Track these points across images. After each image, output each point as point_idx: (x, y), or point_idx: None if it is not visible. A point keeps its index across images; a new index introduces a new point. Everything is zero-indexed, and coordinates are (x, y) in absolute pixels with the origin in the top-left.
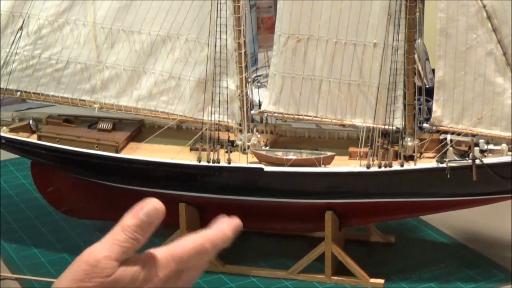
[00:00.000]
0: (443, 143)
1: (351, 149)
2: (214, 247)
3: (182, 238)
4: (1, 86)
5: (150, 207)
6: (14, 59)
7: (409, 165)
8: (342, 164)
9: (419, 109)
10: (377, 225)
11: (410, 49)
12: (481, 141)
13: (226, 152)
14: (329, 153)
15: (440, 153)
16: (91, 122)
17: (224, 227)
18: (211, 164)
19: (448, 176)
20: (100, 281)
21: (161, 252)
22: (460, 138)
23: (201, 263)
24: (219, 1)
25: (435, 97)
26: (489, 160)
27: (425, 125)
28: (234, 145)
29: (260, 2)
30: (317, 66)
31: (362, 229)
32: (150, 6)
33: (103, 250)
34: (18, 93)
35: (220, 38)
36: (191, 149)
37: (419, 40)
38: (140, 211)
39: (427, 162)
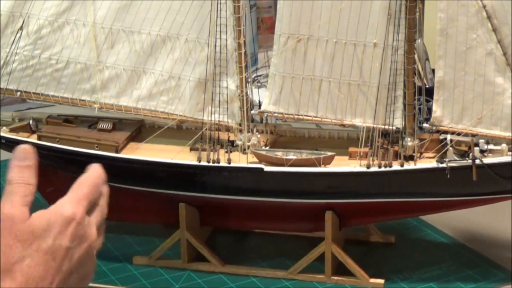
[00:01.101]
0: (443, 143)
1: (351, 149)
2: (100, 178)
3: (75, 183)
4: (1, 86)
5: (18, 152)
6: (14, 59)
7: (409, 165)
8: (342, 164)
9: (419, 109)
10: (377, 225)
11: (410, 49)
12: (481, 141)
13: (226, 152)
14: (329, 153)
15: (440, 153)
16: (91, 122)
17: (92, 166)
18: (211, 164)
19: (448, 176)
20: (19, 228)
21: (69, 196)
22: (460, 138)
23: (99, 197)
24: (219, 1)
25: (435, 97)
26: (489, 160)
27: (425, 125)
28: (234, 145)
29: (260, 2)
30: (317, 66)
31: (362, 229)
32: (150, 6)
33: (5, 204)
34: (18, 93)
35: (220, 38)
36: (191, 149)
37: (419, 40)
38: (12, 161)
39: (427, 162)
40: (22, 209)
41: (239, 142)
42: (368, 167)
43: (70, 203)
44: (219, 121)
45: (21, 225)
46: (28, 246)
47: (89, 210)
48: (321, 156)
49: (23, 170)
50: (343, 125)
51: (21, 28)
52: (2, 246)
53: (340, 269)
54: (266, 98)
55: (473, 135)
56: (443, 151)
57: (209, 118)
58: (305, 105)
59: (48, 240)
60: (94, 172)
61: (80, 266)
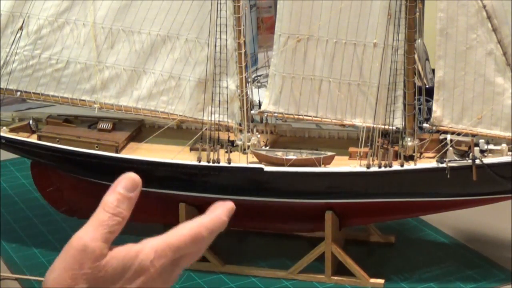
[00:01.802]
0: (443, 143)
1: (351, 149)
2: (210, 233)
3: (178, 226)
4: (1, 86)
5: (126, 180)
6: (14, 59)
7: (409, 165)
8: (342, 164)
9: (419, 109)
10: (377, 225)
11: (410, 49)
12: (481, 141)
13: (226, 152)
14: (329, 153)
15: (440, 153)
16: (91, 122)
17: (219, 212)
18: (211, 164)
19: (448, 176)
20: (92, 266)
21: (157, 242)
22: (460, 138)
23: (197, 250)
24: (219, 1)
25: (435, 97)
26: (489, 160)
27: (425, 125)
28: (234, 145)
29: (260, 2)
30: (317, 66)
31: (362, 229)
32: (150, 6)
33: (88, 233)
34: (18, 93)
35: (220, 38)
36: (191, 149)
37: (419, 40)
38: (118, 186)
39: (427, 162)
40: (101, 245)
41: (239, 142)
42: (368, 167)
43: (152, 250)
44: (219, 121)
45: (94, 264)
46: (93, 286)
47: (170, 263)
48: (321, 156)
49: (124, 201)
50: (343, 125)
51: (21, 28)
52: (68, 278)
53: (340, 269)
54: (266, 98)
55: (473, 135)
56: (443, 151)
57: (209, 118)
58: (305, 105)
59: (116, 284)
60: (208, 218)
61: None
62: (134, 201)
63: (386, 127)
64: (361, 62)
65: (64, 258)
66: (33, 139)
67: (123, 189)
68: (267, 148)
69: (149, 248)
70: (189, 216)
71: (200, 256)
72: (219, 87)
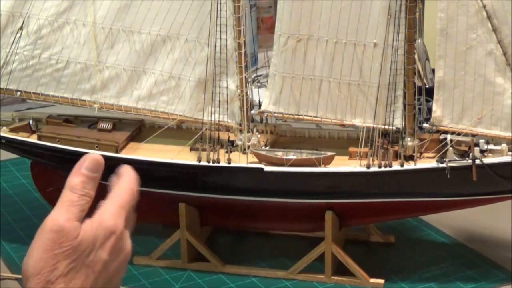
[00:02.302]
0: (443, 143)
1: (351, 149)
2: (137, 186)
3: (111, 194)
4: (1, 86)
5: (89, 161)
6: (14, 59)
7: (409, 165)
8: (342, 164)
9: (419, 109)
10: (377, 225)
11: (410, 49)
12: (481, 141)
13: (226, 152)
14: (329, 153)
15: (440, 153)
16: (91, 122)
17: (128, 176)
18: (211, 164)
19: (448, 176)
20: (70, 244)
21: (110, 207)
22: (460, 138)
23: (131, 211)
24: (219, 1)
25: (435, 97)
26: (489, 160)
27: (425, 125)
28: (234, 145)
29: (260, 2)
30: (317, 66)
31: (362, 229)
32: (150, 6)
33: (62, 214)
34: (18, 93)
35: (220, 38)
36: (191, 149)
37: (419, 40)
38: (82, 167)
39: (427, 162)
40: (76, 224)
41: (239, 142)
42: (368, 167)
43: (112, 215)
44: (219, 121)
45: (72, 242)
46: (74, 261)
47: (126, 220)
48: (321, 156)
49: (89, 181)
50: (343, 125)
51: (21, 28)
52: (49, 258)
53: (340, 269)
54: (266, 98)
55: (473, 135)
56: (443, 151)
57: (209, 118)
58: (305, 105)
59: (91, 254)
60: (129, 177)
61: (114, 277)
62: (98, 180)
63: (386, 127)
64: (361, 62)
65: (42, 241)
66: (33, 139)
67: (87, 170)
68: (267, 148)
69: (108, 214)
70: (189, 216)
71: (134, 217)
72: (219, 87)
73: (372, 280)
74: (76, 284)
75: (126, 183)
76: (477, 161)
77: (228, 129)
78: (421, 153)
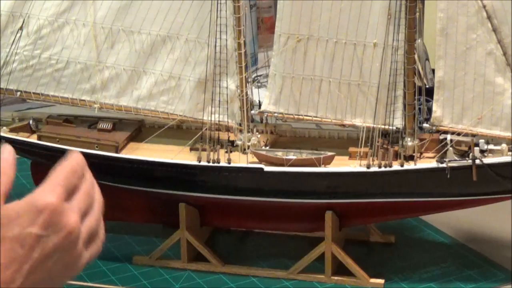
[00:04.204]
0: (443, 143)
1: (351, 149)
2: (82, 167)
3: (51, 173)
4: (1, 86)
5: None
6: (14, 59)
7: (409, 165)
8: (342, 164)
9: (419, 109)
10: (377, 225)
11: (410, 49)
12: (481, 141)
13: (226, 152)
14: (329, 153)
15: (440, 153)
16: (91, 122)
17: (73, 157)
18: (211, 164)
19: (448, 176)
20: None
21: (42, 187)
22: (460, 138)
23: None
24: (219, 1)
25: (435, 97)
26: (489, 160)
27: (425, 125)
28: (234, 145)
29: (260, 2)
30: (317, 66)
31: (362, 229)
32: (150, 6)
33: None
34: (18, 93)
35: (220, 38)
36: (191, 149)
37: (419, 40)
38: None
39: (427, 162)
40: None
41: (239, 142)
42: (368, 167)
43: (43, 192)
44: (219, 121)
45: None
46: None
47: (67, 197)
48: (321, 156)
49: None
50: (343, 125)
51: (21, 28)
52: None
53: (340, 269)
54: (266, 98)
55: (473, 135)
56: (443, 151)
57: (209, 118)
58: (305, 105)
59: (15, 228)
60: (72, 159)
61: (58, 254)
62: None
63: (386, 127)
64: (361, 62)
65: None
66: (33, 139)
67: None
68: (267, 148)
69: (38, 192)
70: (189, 216)
71: (94, 199)
72: (219, 87)
73: (372, 280)
74: (1, 259)
75: (64, 165)
76: (477, 161)
77: (228, 129)
78: (421, 153)
